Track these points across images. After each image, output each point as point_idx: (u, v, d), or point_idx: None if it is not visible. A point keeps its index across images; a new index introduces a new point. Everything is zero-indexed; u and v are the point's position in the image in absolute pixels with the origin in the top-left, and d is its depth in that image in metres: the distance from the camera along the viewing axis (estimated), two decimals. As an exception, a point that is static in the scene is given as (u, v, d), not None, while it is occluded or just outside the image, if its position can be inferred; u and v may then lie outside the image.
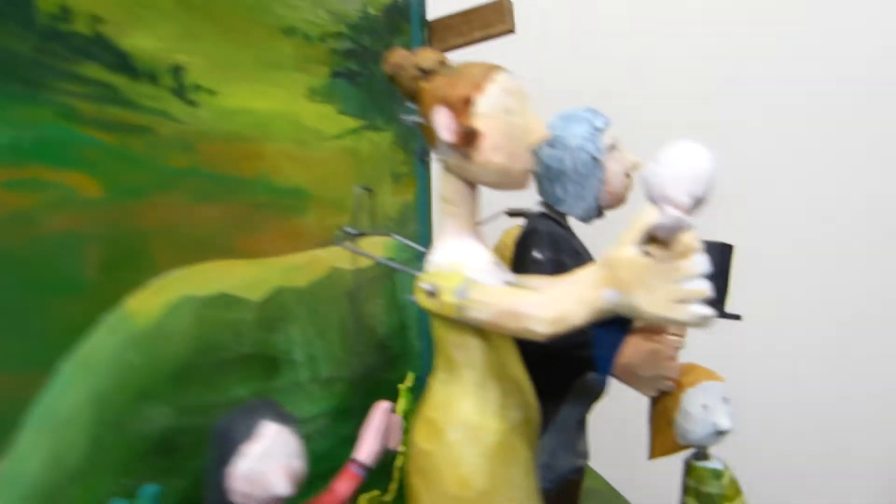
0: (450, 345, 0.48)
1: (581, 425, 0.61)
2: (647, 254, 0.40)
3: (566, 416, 0.59)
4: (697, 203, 0.46)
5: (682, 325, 0.49)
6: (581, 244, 0.61)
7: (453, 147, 0.47)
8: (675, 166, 0.46)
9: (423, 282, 0.46)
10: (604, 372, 0.54)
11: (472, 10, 0.79)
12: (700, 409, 0.53)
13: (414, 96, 0.49)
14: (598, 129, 0.58)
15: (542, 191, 0.62)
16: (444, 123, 0.46)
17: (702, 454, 0.56)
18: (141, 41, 0.47)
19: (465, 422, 0.47)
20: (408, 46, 0.73)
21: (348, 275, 0.62)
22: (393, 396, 0.57)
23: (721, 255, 0.60)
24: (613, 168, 0.58)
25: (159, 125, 0.48)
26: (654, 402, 0.58)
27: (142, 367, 0.45)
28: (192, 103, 0.51)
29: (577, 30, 1.28)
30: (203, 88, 0.52)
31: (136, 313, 0.46)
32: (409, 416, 0.59)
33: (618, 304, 0.40)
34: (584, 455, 0.63)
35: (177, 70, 0.50)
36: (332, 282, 0.60)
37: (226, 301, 0.50)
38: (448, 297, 0.45)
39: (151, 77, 0.48)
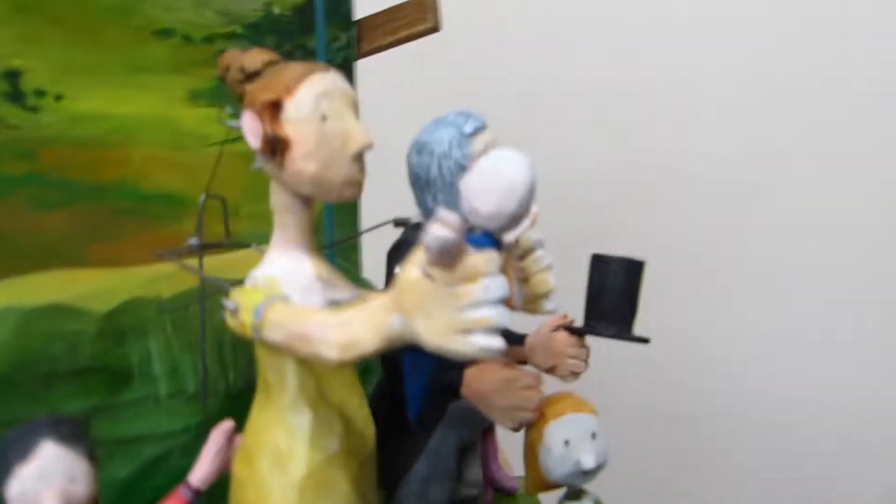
0: (264, 366, 0.45)
1: (464, 453, 0.57)
2: (429, 276, 0.35)
3: (440, 444, 0.54)
4: (511, 219, 0.41)
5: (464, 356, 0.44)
6: None
7: (264, 155, 0.43)
8: (485, 176, 0.41)
9: (229, 299, 0.43)
10: (412, 413, 0.50)
11: (396, 7, 0.75)
12: (562, 444, 0.48)
13: (241, 100, 0.47)
14: (465, 135, 0.53)
15: (416, 201, 0.57)
16: (251, 129, 0.43)
17: (573, 493, 0.51)
18: (-36, 45, 0.47)
19: (275, 449, 0.44)
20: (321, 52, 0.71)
21: (225, 285, 0.59)
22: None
23: (628, 271, 0.55)
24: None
25: (-13, 133, 0.47)
26: (526, 433, 0.53)
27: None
28: (32, 109, 0.50)
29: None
30: (47, 93, 0.51)
31: (-56, 321, 0.45)
32: None
33: (403, 331, 0.36)
34: (474, 484, 0.58)
35: (13, 74, 0.49)
36: (205, 292, 0.58)
37: (59, 312, 0.49)
38: (245, 316, 0.41)
39: (-22, 83, 0.47)
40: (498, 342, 0.34)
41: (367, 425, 0.47)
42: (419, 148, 0.55)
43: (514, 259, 0.54)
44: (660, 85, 1.18)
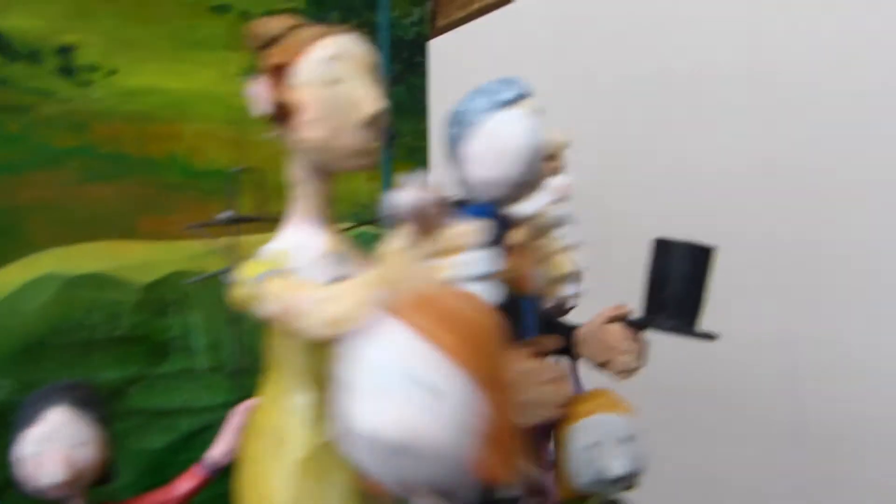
0: (271, 345, 0.43)
1: None
2: (413, 248, 0.33)
3: None
4: (514, 187, 0.36)
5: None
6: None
7: (274, 121, 0.42)
8: (483, 140, 0.37)
9: (237, 271, 0.42)
10: None
11: (470, -20, 0.71)
12: (585, 449, 0.42)
13: None
14: (500, 103, 0.49)
15: (453, 174, 0.53)
16: (260, 94, 0.41)
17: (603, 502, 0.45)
18: (20, 22, 0.49)
19: (273, 429, 0.42)
20: (397, 26, 0.68)
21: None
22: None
23: (694, 257, 0.48)
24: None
25: (40, 103, 0.49)
26: (554, 433, 0.47)
27: (-14, 337, 0.46)
28: (84, 83, 0.51)
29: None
30: (99, 68, 0.52)
31: (-8, 288, 0.47)
32: None
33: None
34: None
35: (65, 50, 0.50)
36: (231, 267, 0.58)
37: (101, 281, 0.50)
38: (245, 287, 0.40)
39: (33, 56, 0.49)
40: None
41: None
42: (453, 119, 0.51)
43: (533, 236, 0.49)
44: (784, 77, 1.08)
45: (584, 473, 0.43)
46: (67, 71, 0.49)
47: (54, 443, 0.41)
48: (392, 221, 0.32)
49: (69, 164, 0.49)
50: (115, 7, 0.51)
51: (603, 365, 0.52)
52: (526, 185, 0.37)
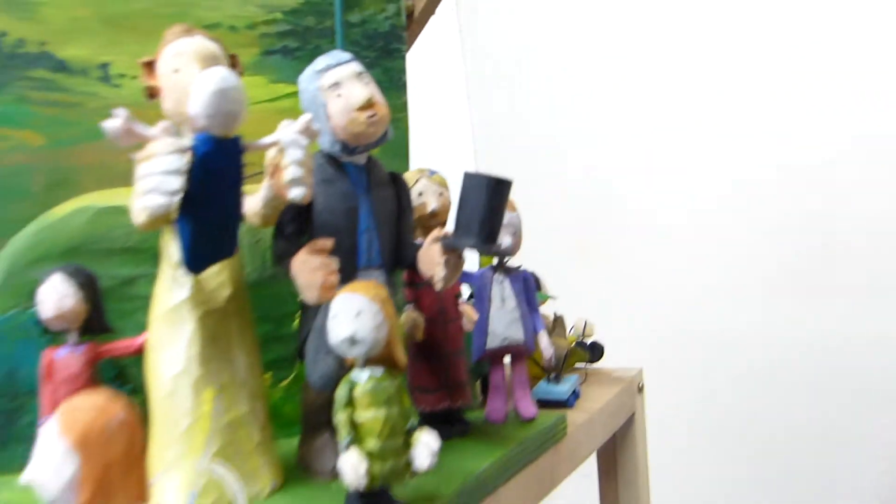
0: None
1: None
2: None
3: (322, 323, 0.65)
4: (208, 119, 0.51)
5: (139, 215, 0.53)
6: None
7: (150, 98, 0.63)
8: (196, 86, 0.52)
9: None
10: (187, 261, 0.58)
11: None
12: (331, 318, 0.55)
13: None
14: (317, 71, 0.64)
15: None
16: (143, 82, 0.63)
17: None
18: (74, 52, 0.78)
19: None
20: (367, 23, 0.86)
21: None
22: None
23: (486, 187, 0.59)
24: (335, 104, 0.63)
25: (88, 101, 0.78)
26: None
27: (42, 242, 0.75)
28: (116, 86, 0.79)
29: None
30: (126, 76, 0.79)
31: (52, 213, 0.76)
32: None
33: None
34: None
35: (104, 65, 0.79)
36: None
37: (119, 211, 0.77)
38: None
39: (83, 72, 0.78)
40: (161, 201, 0.49)
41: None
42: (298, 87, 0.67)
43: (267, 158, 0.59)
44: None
45: (332, 338, 0.55)
46: (106, 79, 0.76)
47: (50, 294, 0.67)
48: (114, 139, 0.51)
49: (106, 138, 0.77)
50: (135, 36, 0.77)
51: (430, 278, 0.65)
52: (229, 114, 0.52)
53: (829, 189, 1.62)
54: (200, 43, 0.58)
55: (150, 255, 0.78)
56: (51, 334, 0.73)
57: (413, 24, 0.93)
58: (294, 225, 0.64)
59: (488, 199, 0.58)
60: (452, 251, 0.62)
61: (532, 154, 1.97)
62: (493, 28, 2.13)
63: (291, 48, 0.86)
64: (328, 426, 0.66)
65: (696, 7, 1.81)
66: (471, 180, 0.59)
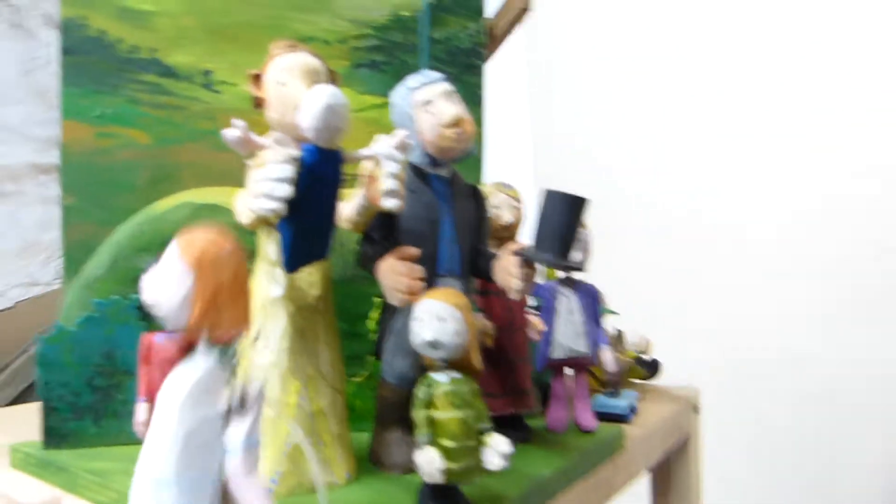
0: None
1: None
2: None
3: (402, 326, 0.68)
4: (321, 132, 0.55)
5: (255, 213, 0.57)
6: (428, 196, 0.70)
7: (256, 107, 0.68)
8: (306, 103, 0.56)
9: None
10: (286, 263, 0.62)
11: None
12: (414, 321, 0.59)
13: None
14: (410, 89, 0.68)
15: None
16: (251, 93, 0.68)
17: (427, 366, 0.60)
18: (181, 59, 0.84)
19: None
20: (450, 40, 0.90)
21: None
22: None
23: (564, 204, 0.62)
24: (426, 120, 0.66)
25: (191, 104, 0.84)
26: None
27: (146, 233, 0.81)
28: (216, 92, 0.85)
29: None
30: (226, 83, 0.85)
31: (156, 207, 0.82)
32: None
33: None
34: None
35: (207, 72, 0.84)
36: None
37: (215, 209, 0.82)
38: None
39: (188, 78, 0.84)
40: (272, 206, 0.54)
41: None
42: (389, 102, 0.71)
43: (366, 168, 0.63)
44: None
45: (414, 339, 0.59)
46: (207, 85, 0.81)
47: (153, 282, 0.73)
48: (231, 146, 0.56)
49: (206, 140, 0.82)
50: (235, 46, 0.83)
51: (505, 288, 0.68)
52: (335, 129, 0.56)
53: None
54: (305, 59, 0.63)
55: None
56: (147, 320, 0.79)
57: (492, 41, 0.96)
58: (381, 231, 0.68)
59: (567, 216, 0.61)
60: (529, 264, 0.65)
61: (592, 170, 1.99)
62: (556, 44, 2.16)
63: (379, 62, 0.91)
64: (401, 423, 0.70)
65: (768, 29, 1.80)
66: (551, 197, 0.62)
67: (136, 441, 0.78)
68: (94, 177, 0.82)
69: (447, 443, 0.57)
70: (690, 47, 1.94)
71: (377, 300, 0.82)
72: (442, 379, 0.58)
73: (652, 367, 1.25)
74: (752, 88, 1.83)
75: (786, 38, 1.79)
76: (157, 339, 0.74)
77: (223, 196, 0.82)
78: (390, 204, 0.59)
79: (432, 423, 0.57)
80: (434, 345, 0.57)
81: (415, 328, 0.58)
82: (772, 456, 1.79)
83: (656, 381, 1.27)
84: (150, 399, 0.73)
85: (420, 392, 0.58)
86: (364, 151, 0.60)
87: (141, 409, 0.71)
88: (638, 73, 2.00)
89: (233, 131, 0.52)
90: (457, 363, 0.60)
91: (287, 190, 0.53)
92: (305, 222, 0.58)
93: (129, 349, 0.78)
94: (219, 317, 0.40)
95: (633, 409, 0.97)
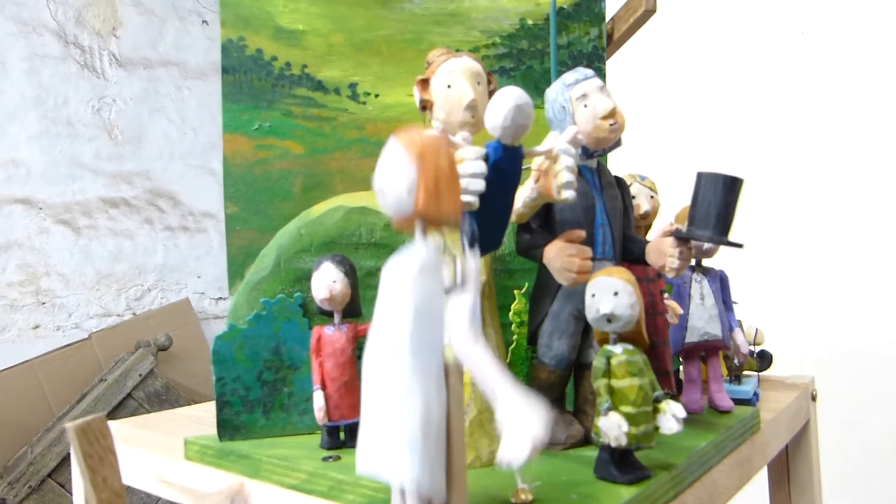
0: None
1: (577, 319, 0.70)
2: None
3: (559, 309, 0.69)
4: (508, 129, 0.60)
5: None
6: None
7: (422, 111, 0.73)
8: (493, 102, 0.61)
9: None
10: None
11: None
12: (590, 297, 0.64)
13: None
14: (566, 85, 0.73)
15: None
16: (416, 96, 0.74)
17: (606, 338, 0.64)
18: (329, 73, 0.91)
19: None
20: (572, 45, 0.95)
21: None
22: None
23: (722, 185, 0.65)
24: (582, 113, 0.70)
25: (340, 115, 0.91)
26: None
27: (304, 237, 0.87)
28: (362, 103, 0.91)
29: None
30: (370, 94, 0.91)
31: (312, 211, 0.88)
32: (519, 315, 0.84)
33: None
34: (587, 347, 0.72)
35: (353, 85, 0.91)
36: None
37: (365, 211, 0.88)
38: None
39: (336, 91, 0.91)
40: (467, 199, 0.59)
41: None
42: (545, 100, 0.76)
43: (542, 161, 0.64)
44: None
45: (590, 314, 0.64)
46: (354, 97, 0.88)
47: (324, 278, 0.79)
48: None
49: (354, 148, 0.88)
50: (379, 59, 0.89)
51: (661, 268, 0.72)
52: (520, 126, 0.60)
53: None
54: (467, 62, 0.68)
55: (390, 250, 0.90)
56: (309, 316, 0.85)
57: (612, 44, 1.01)
58: (539, 220, 0.73)
59: (724, 195, 0.64)
60: (684, 242, 0.68)
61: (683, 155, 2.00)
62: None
63: (508, 68, 0.97)
64: (558, 403, 0.74)
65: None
66: (707, 178, 0.65)
67: (303, 431, 0.85)
68: (253, 186, 0.89)
69: (627, 409, 0.60)
70: (764, 62, 1.95)
71: (517, 293, 0.87)
72: (617, 350, 0.62)
73: (764, 360, 1.27)
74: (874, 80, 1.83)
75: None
76: (327, 332, 0.79)
77: (371, 199, 0.89)
78: (568, 195, 0.63)
79: (612, 391, 0.61)
80: (610, 318, 0.60)
81: (591, 303, 0.62)
82: (882, 454, 1.77)
83: (769, 373, 1.28)
84: (325, 387, 0.79)
85: (598, 363, 0.61)
86: (540, 148, 0.64)
87: (318, 397, 0.76)
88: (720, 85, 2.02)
89: (433, 132, 0.57)
90: (627, 336, 0.63)
91: (481, 185, 0.57)
92: (488, 214, 0.62)
93: (293, 344, 0.84)
94: (439, 202, 0.44)
95: (756, 395, 0.99)
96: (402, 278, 0.45)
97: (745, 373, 1.26)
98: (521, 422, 0.39)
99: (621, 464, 0.64)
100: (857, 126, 1.84)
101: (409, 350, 0.43)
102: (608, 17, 1.02)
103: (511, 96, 0.57)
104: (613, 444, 0.61)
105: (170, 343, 2.19)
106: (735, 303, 1.12)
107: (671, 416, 0.62)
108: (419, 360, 0.43)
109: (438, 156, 0.45)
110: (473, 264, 0.45)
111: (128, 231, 2.61)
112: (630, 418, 0.61)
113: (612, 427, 0.60)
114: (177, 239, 2.63)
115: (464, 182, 0.57)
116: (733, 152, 2.06)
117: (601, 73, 1.00)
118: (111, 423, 1.01)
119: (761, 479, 1.24)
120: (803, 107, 1.94)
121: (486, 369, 0.42)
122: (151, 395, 2.03)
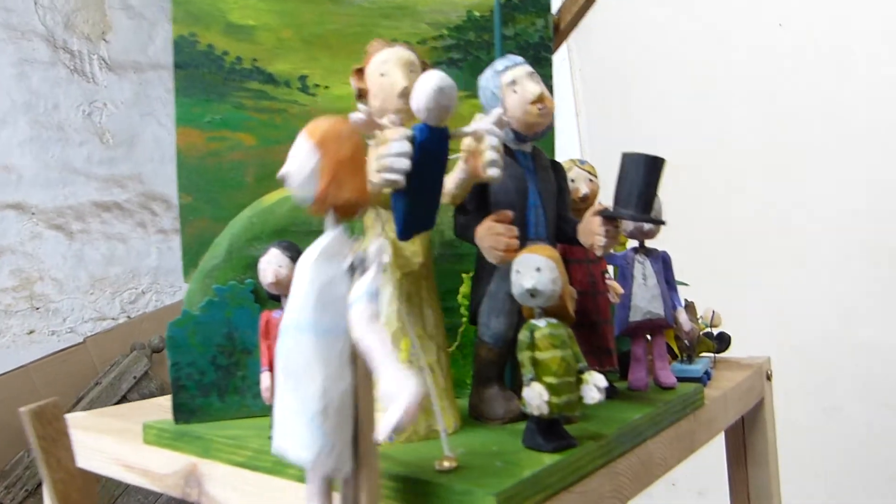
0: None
1: (513, 298, 0.74)
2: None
3: (496, 288, 0.72)
4: (431, 111, 0.62)
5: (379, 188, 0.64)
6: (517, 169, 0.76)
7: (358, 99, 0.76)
8: (419, 86, 0.63)
9: None
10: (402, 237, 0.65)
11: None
12: (515, 273, 0.66)
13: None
14: (497, 72, 0.76)
15: None
16: (353, 85, 0.76)
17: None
18: (280, 67, 0.93)
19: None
20: (519, 35, 0.98)
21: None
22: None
23: (643, 164, 0.69)
24: (512, 99, 0.72)
25: (291, 108, 0.93)
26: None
27: (256, 225, 0.89)
28: (313, 95, 0.94)
29: None
30: (320, 86, 0.94)
31: (264, 200, 0.91)
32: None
33: None
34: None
35: (303, 77, 0.94)
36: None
37: (316, 199, 0.91)
38: None
39: (287, 84, 0.94)
40: (393, 177, 0.61)
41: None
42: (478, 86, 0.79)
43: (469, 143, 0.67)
44: None
45: (515, 290, 0.66)
46: (304, 89, 0.90)
47: (270, 263, 0.81)
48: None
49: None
50: (329, 53, 0.91)
51: (590, 247, 0.75)
52: (443, 109, 0.59)
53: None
54: (400, 52, 0.70)
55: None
56: (261, 302, 0.88)
57: (558, 35, 1.04)
58: (474, 202, 0.75)
59: (645, 175, 0.67)
60: (611, 221, 0.71)
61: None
62: (603, 43, 2.22)
63: (455, 59, 0.99)
64: (498, 379, 0.77)
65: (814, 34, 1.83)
66: (629, 158, 0.68)
67: (257, 413, 0.87)
68: (206, 177, 0.92)
69: (550, 379, 0.63)
70: (740, 45, 1.98)
71: (465, 276, 0.90)
72: (541, 324, 0.64)
73: (721, 341, 1.29)
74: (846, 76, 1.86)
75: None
76: (275, 315, 0.82)
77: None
78: (492, 172, 0.65)
79: (535, 362, 0.63)
80: (532, 293, 0.63)
81: (515, 279, 0.64)
82: (838, 440, 1.80)
83: (726, 355, 1.31)
84: (271, 369, 0.81)
85: (523, 336, 0.64)
86: (466, 128, 0.67)
87: (265, 378, 0.79)
88: (687, 69, 2.05)
89: (358, 115, 0.59)
90: (552, 310, 0.66)
91: (406, 164, 0.59)
92: (417, 194, 0.64)
93: (246, 329, 0.86)
94: (339, 188, 0.47)
95: (707, 374, 1.02)
96: (304, 264, 0.48)
97: (704, 354, 1.29)
98: (396, 393, 0.41)
99: (547, 433, 0.66)
100: (831, 117, 1.87)
101: (310, 332, 0.46)
102: (554, 8, 1.05)
103: (433, 79, 0.60)
104: (536, 413, 0.64)
105: (164, 345, 2.21)
106: (685, 284, 1.15)
107: (593, 385, 0.65)
108: (320, 341, 0.45)
109: (340, 142, 0.48)
110: (375, 245, 0.48)
111: (121, 234, 2.63)
112: (552, 388, 0.64)
113: (534, 397, 0.63)
114: (170, 242, 2.67)
115: (389, 161, 0.59)
116: (707, 142, 2.08)
117: (548, 63, 1.02)
118: (77, 414, 1.04)
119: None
120: (778, 97, 1.96)
121: (376, 349, 0.45)
122: (146, 396, 2.05)
